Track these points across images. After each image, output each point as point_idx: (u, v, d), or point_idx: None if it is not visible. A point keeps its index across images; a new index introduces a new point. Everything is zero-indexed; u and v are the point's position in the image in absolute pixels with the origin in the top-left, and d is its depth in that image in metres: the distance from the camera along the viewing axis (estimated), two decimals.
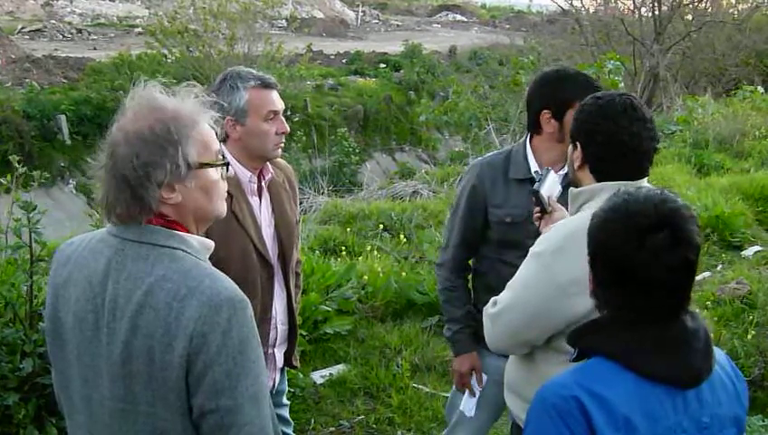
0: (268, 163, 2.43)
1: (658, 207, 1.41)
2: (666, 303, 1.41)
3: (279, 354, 2.55)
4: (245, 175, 2.36)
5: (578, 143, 1.93)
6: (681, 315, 1.44)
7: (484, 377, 2.57)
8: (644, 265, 1.38)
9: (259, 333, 1.51)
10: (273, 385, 2.55)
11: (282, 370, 2.64)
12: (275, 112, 2.34)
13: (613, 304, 1.46)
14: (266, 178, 2.43)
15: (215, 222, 1.60)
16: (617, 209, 1.44)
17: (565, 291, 1.79)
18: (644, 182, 1.87)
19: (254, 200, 2.39)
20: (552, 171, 2.19)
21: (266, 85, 2.34)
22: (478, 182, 2.49)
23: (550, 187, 2.15)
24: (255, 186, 2.40)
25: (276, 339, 2.50)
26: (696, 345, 1.43)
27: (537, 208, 2.15)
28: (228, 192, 2.24)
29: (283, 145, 2.39)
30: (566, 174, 2.23)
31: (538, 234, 2.22)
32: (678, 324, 1.43)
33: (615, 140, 1.85)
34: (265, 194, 2.44)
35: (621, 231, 1.40)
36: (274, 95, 2.36)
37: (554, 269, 1.82)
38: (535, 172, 2.39)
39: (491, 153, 2.67)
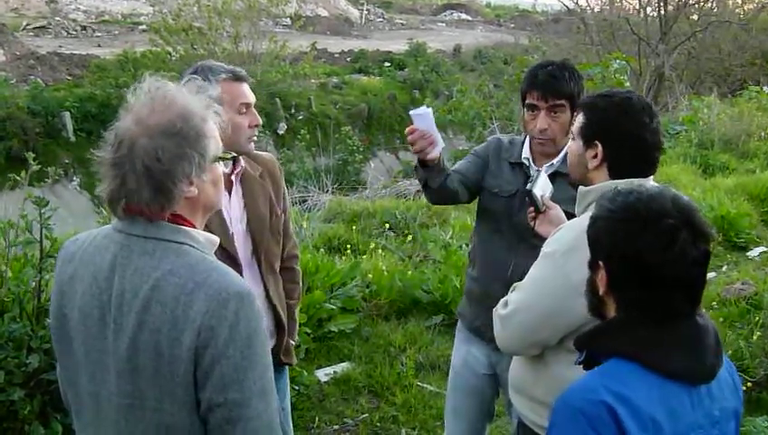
0: (240, 157, 2.34)
1: (675, 203, 1.40)
2: (685, 299, 1.41)
3: None
4: None
5: (597, 143, 1.89)
6: (696, 312, 1.43)
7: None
8: (671, 264, 1.37)
9: None
10: None
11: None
12: (248, 105, 2.29)
13: (629, 305, 1.44)
14: (236, 171, 2.35)
15: None
16: (628, 209, 1.42)
17: (578, 290, 1.78)
18: (651, 179, 1.87)
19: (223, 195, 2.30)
20: (544, 172, 2.24)
21: (238, 78, 2.29)
22: (482, 149, 2.66)
23: (542, 186, 2.20)
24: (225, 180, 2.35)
25: None
26: (708, 341, 1.43)
27: (531, 208, 2.20)
28: None
29: (255, 138, 2.33)
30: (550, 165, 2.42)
31: (509, 214, 2.41)
32: (692, 321, 1.43)
33: (638, 138, 1.85)
34: (237, 188, 2.37)
35: (645, 232, 1.38)
36: (245, 87, 2.31)
37: (567, 269, 1.81)
38: (526, 158, 2.51)
39: (511, 134, 2.81)
